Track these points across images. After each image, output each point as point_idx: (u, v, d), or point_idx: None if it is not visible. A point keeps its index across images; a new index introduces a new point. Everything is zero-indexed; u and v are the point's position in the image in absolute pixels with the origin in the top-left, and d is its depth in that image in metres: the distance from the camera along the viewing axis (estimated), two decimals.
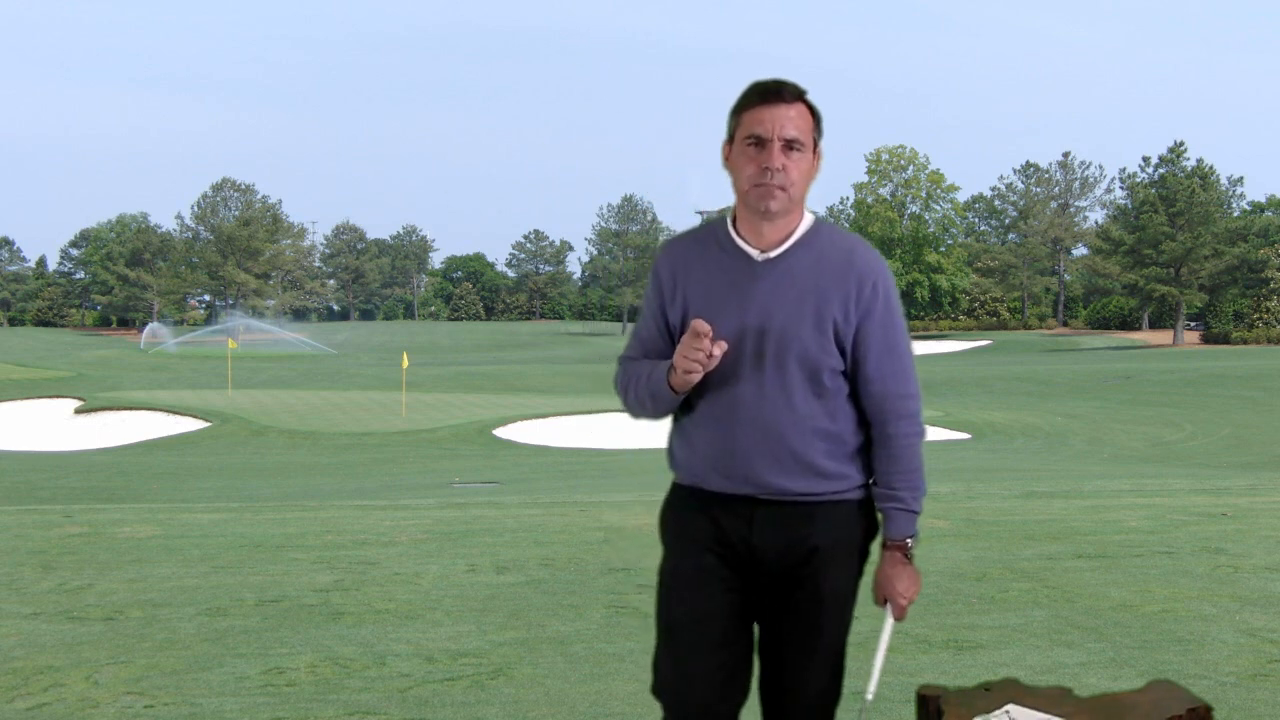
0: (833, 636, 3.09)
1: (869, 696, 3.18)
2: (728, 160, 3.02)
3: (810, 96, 3.00)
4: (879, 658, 3.17)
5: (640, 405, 3.10)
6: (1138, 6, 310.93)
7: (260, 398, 44.14)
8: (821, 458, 3.01)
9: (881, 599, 3.14)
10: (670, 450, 3.16)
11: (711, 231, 3.08)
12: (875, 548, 3.20)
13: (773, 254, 3.00)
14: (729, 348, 2.95)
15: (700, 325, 2.87)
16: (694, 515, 3.09)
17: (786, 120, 2.93)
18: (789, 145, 2.93)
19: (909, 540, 3.10)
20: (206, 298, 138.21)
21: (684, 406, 3.08)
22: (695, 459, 3.07)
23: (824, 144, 3.05)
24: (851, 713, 3.50)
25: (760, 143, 2.93)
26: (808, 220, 3.05)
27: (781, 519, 3.03)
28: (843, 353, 3.00)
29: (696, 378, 2.94)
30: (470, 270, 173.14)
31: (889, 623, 3.15)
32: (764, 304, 2.97)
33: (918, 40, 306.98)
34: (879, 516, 3.15)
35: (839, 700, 3.16)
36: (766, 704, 3.15)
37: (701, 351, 2.88)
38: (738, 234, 3.04)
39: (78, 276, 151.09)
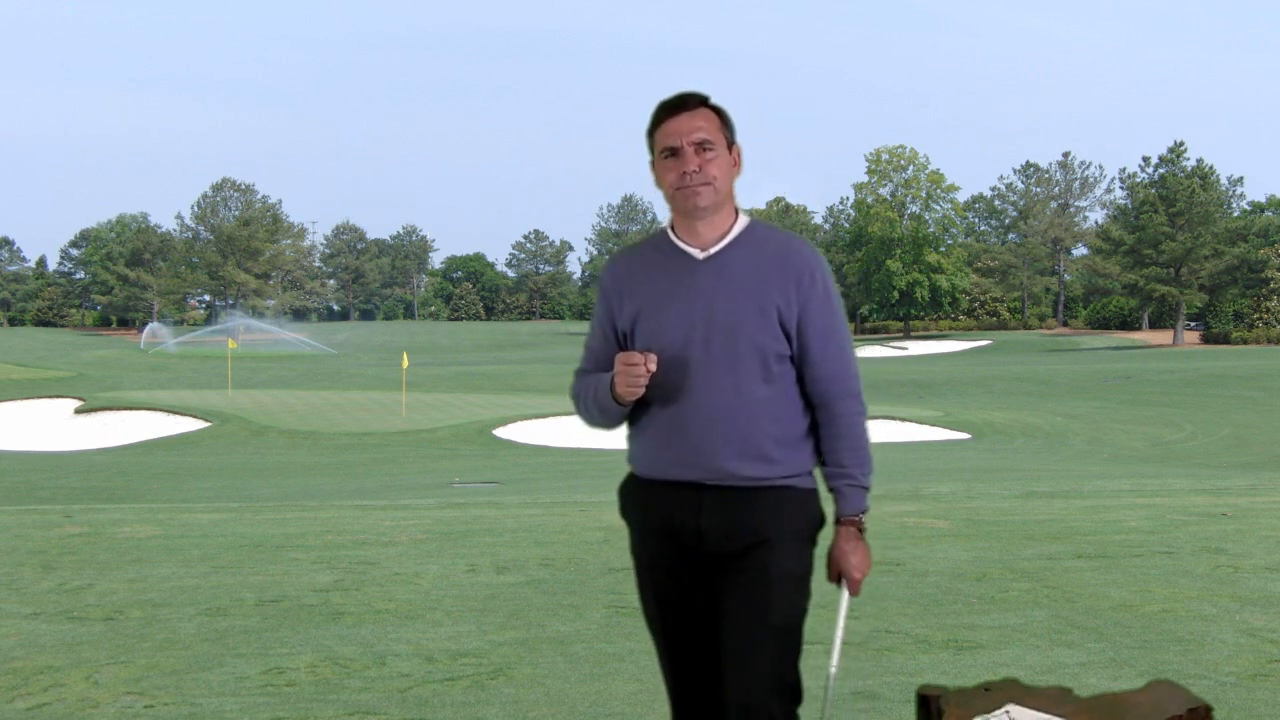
0: (782, 616, 3.11)
1: (832, 670, 3.23)
2: (656, 180, 3.23)
3: (714, 101, 3.21)
4: (839, 632, 3.22)
5: (591, 417, 3.30)
6: (1138, 6, 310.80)
7: (260, 398, 44.15)
8: (770, 443, 3.13)
9: (835, 575, 3.20)
10: (628, 443, 3.30)
11: (652, 240, 3.28)
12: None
13: (713, 250, 3.18)
14: (679, 343, 3.12)
15: (630, 356, 3.07)
16: (648, 508, 3.23)
17: (693, 127, 3.14)
18: (701, 147, 3.14)
19: (861, 515, 3.19)
20: (206, 298, 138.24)
21: (639, 403, 3.21)
22: (648, 448, 3.20)
23: (740, 142, 3.25)
24: (815, 712, 3.50)
25: (674, 152, 3.15)
26: (743, 220, 3.23)
27: (728, 504, 3.13)
28: (788, 338, 3.14)
29: (640, 394, 3.12)
30: (470, 270, 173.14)
31: (845, 598, 3.20)
32: (709, 297, 3.13)
33: (918, 40, 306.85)
34: (824, 508, 3.23)
35: (799, 694, 3.13)
36: (723, 686, 3.13)
37: (638, 376, 3.07)
38: (678, 238, 3.22)
39: (78, 276, 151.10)
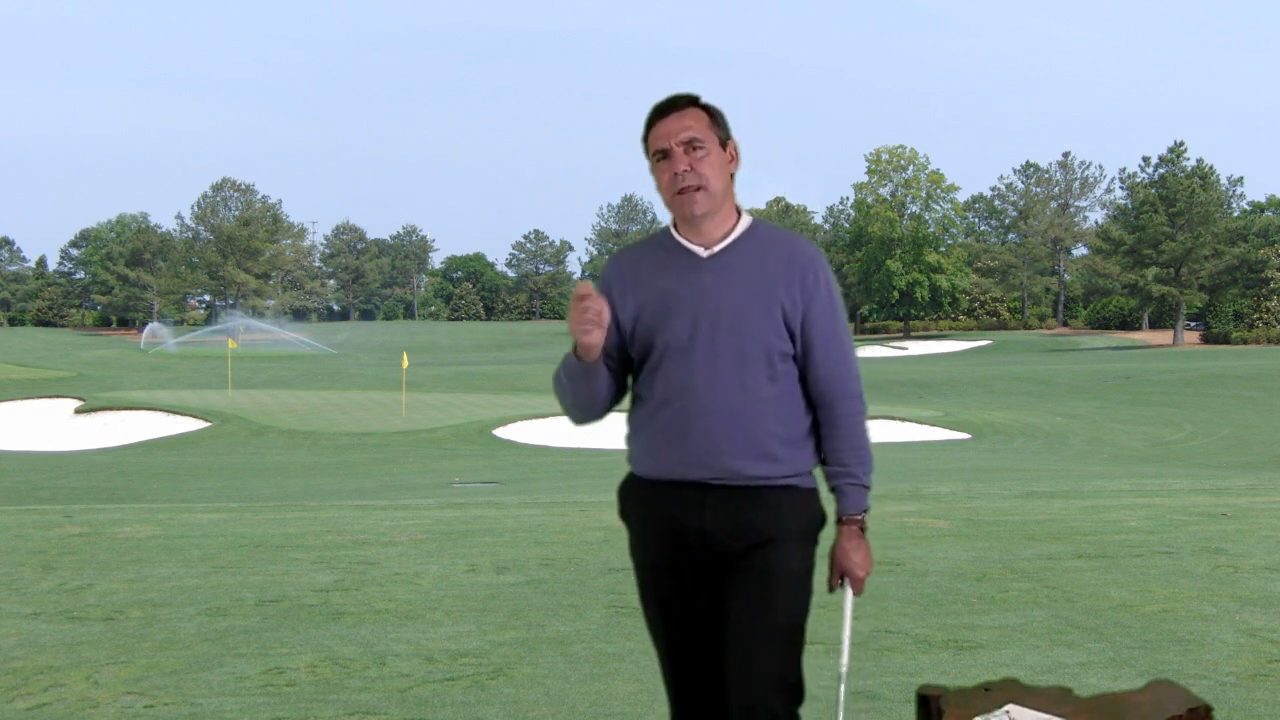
0: (786, 615, 3.11)
1: (843, 668, 3.26)
2: (656, 185, 3.24)
3: (705, 101, 3.21)
4: (846, 631, 3.25)
5: (564, 394, 3.26)
6: (1138, 6, 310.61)
7: (260, 398, 44.15)
8: (775, 442, 3.13)
9: (839, 574, 3.20)
10: (628, 443, 3.28)
11: (656, 238, 3.29)
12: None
13: (717, 248, 3.18)
14: (683, 341, 3.12)
15: (580, 289, 3.06)
16: (650, 508, 3.22)
17: (681, 127, 3.15)
18: (690, 146, 3.14)
19: (864, 514, 3.20)
20: (206, 298, 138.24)
21: (640, 400, 3.21)
22: (651, 448, 3.19)
23: (737, 138, 3.25)
24: (816, 712, 3.50)
25: (665, 154, 3.16)
26: (746, 219, 3.23)
27: (733, 503, 3.13)
28: (791, 337, 3.15)
29: (597, 337, 3.08)
30: (470, 270, 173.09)
31: (849, 597, 3.21)
32: (714, 295, 3.13)
33: (918, 40, 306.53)
34: (825, 508, 3.24)
35: (802, 694, 3.13)
36: (725, 686, 3.14)
37: (589, 312, 3.05)
38: (681, 236, 3.23)
39: (78, 276, 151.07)
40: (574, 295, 3.06)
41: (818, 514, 3.20)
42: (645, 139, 3.21)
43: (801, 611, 3.14)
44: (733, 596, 3.13)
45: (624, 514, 3.32)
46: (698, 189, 3.12)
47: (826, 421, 3.19)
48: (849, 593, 3.20)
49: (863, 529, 3.19)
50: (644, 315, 3.16)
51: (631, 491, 3.28)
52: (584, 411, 3.27)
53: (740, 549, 3.13)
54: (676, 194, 3.14)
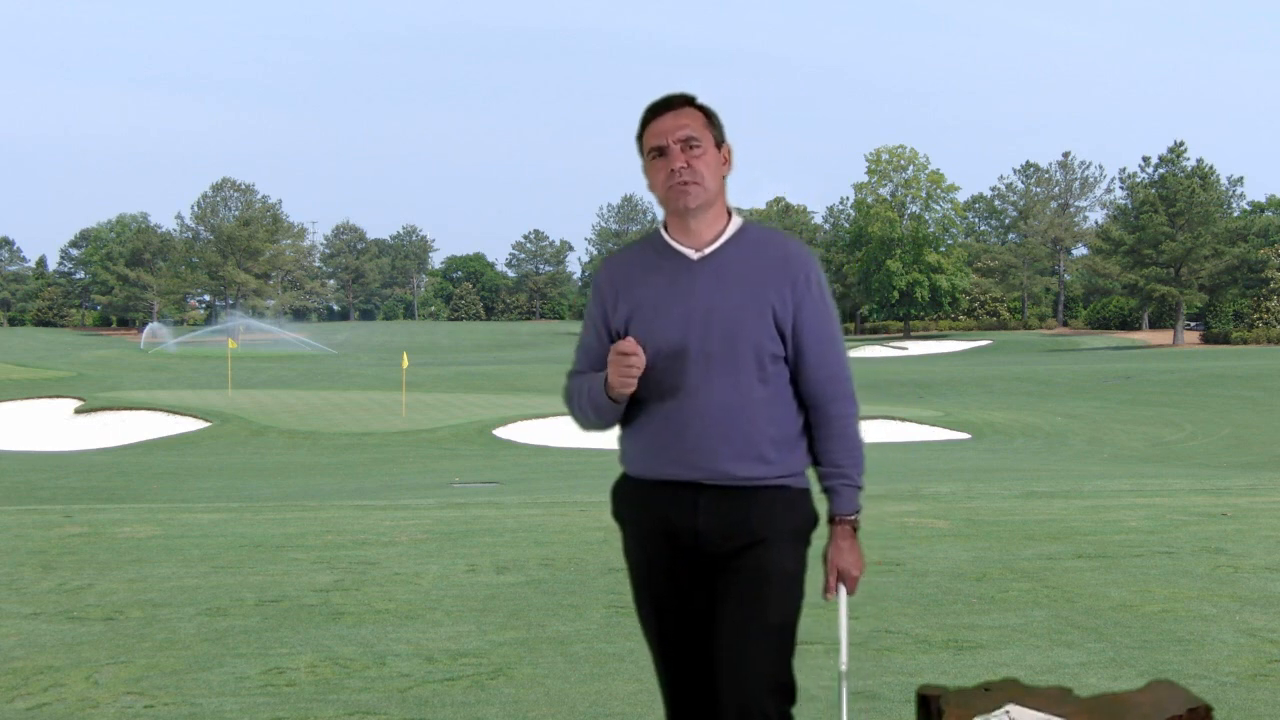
0: (779, 615, 3.12)
1: (842, 666, 3.29)
2: (649, 183, 3.24)
3: (700, 101, 3.22)
4: (843, 630, 3.27)
5: (586, 418, 3.27)
6: (1138, 6, 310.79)
7: (260, 398, 44.15)
8: (767, 443, 3.14)
9: (835, 573, 3.20)
10: (620, 444, 3.30)
11: (647, 240, 3.29)
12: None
13: (708, 250, 3.18)
14: (675, 342, 3.13)
15: (624, 345, 3.06)
16: (644, 508, 3.23)
17: (678, 125, 3.16)
18: (687, 144, 3.15)
19: (856, 514, 3.21)
20: (206, 298, 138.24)
21: (633, 402, 3.20)
22: (644, 449, 3.20)
23: (731, 141, 3.26)
24: (816, 712, 3.50)
25: (661, 151, 3.17)
26: (736, 220, 3.24)
27: (726, 504, 3.13)
28: (783, 338, 3.15)
29: (633, 387, 3.11)
30: (470, 270, 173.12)
31: (844, 597, 3.22)
32: (706, 297, 3.14)
33: (918, 40, 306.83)
34: (818, 509, 3.25)
35: (794, 694, 3.13)
36: (718, 686, 3.14)
37: (633, 367, 3.07)
38: (672, 238, 3.22)
39: (78, 276, 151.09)
40: (615, 350, 3.07)
41: (810, 514, 3.21)
42: (640, 136, 3.21)
43: (794, 612, 3.15)
44: (726, 596, 3.13)
45: (617, 514, 3.34)
46: (693, 183, 3.13)
47: (819, 423, 3.20)
48: (843, 593, 3.21)
49: (855, 529, 3.21)
50: (636, 318, 3.17)
51: (625, 492, 3.29)
52: (602, 430, 3.33)
53: (733, 549, 3.13)
54: (670, 188, 3.14)
